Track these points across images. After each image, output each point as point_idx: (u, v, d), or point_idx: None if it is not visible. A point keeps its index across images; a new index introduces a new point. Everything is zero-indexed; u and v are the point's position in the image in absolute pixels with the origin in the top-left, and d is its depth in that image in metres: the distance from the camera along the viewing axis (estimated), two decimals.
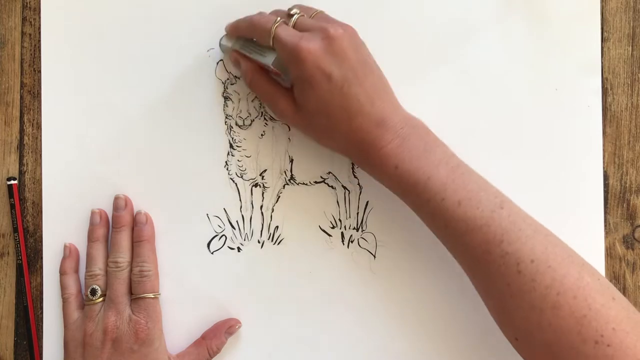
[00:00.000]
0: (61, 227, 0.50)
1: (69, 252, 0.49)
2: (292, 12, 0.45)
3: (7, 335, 0.50)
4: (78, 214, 0.50)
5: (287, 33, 0.43)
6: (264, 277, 0.50)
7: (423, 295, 0.50)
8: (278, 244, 0.50)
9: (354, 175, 0.50)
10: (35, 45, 0.51)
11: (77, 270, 0.49)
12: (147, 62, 0.50)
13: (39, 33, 0.51)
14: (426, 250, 0.50)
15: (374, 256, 0.50)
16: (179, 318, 0.50)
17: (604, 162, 0.50)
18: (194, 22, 0.51)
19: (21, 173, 0.51)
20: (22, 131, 0.51)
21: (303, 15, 0.45)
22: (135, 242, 0.48)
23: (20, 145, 0.51)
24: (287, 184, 0.50)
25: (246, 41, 0.47)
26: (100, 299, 0.47)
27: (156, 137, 0.50)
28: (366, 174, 0.49)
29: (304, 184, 0.50)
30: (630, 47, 0.51)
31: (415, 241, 0.50)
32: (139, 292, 0.47)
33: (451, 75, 0.50)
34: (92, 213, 0.49)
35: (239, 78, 0.50)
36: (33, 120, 0.51)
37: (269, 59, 0.45)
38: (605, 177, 0.50)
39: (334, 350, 0.50)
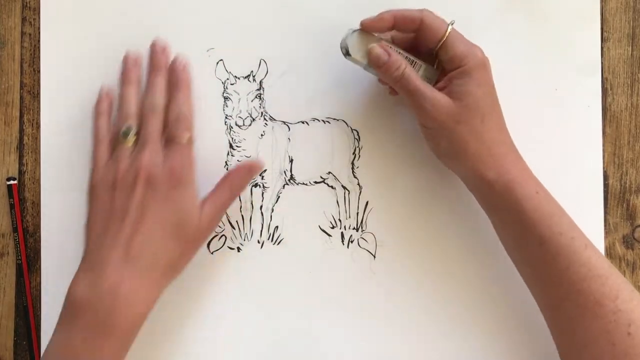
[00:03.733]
0: (61, 227, 0.50)
1: (105, 94, 0.48)
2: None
3: (7, 335, 0.50)
4: (77, 214, 0.50)
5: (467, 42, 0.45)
6: (264, 277, 0.50)
7: (423, 295, 0.49)
8: (278, 244, 0.50)
9: (354, 175, 0.50)
10: (35, 45, 0.51)
11: (110, 114, 0.48)
12: (146, 62, 0.50)
13: (39, 33, 0.51)
14: (426, 250, 0.50)
15: (374, 256, 0.50)
16: (179, 318, 0.50)
17: (604, 162, 0.50)
18: (193, 22, 0.51)
19: (21, 173, 0.51)
20: (21, 131, 0.51)
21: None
22: (173, 87, 0.47)
23: (20, 145, 0.51)
24: (287, 184, 0.50)
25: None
26: (134, 138, 0.45)
27: None
28: (366, 174, 0.49)
29: (303, 184, 0.50)
30: (630, 47, 0.51)
31: (415, 241, 0.50)
32: (174, 134, 0.45)
33: None
34: (127, 56, 0.48)
35: (239, 78, 0.50)
36: (33, 120, 0.51)
37: (419, 67, 0.45)
38: (605, 177, 0.50)
39: (334, 350, 0.49)
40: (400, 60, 0.44)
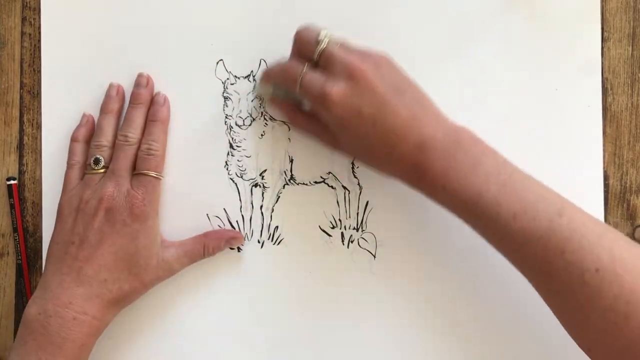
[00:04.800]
0: None
1: (85, 122, 0.49)
2: (320, 37, 0.43)
3: (7, 336, 0.50)
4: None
5: (312, 82, 0.43)
6: (264, 277, 0.50)
7: (423, 295, 0.49)
8: (278, 244, 0.50)
9: (354, 175, 0.50)
10: (35, 45, 0.51)
11: (88, 142, 0.49)
12: (146, 62, 0.50)
13: (39, 33, 0.51)
14: (426, 251, 0.50)
15: (374, 256, 0.50)
16: (179, 318, 0.50)
17: (604, 162, 0.50)
18: (194, 22, 0.51)
19: (21, 173, 0.51)
20: (21, 131, 0.51)
21: (330, 42, 0.44)
22: (149, 121, 0.48)
23: (20, 145, 0.51)
24: (287, 184, 0.50)
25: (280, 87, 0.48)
26: (102, 169, 0.47)
27: None
28: (366, 174, 0.49)
29: (304, 184, 0.50)
30: (630, 47, 0.51)
31: (415, 241, 0.50)
32: (142, 168, 0.46)
33: (451, 76, 0.50)
34: (110, 85, 0.49)
35: (239, 78, 0.50)
36: (33, 120, 0.51)
37: (306, 104, 0.46)
38: (605, 177, 0.50)
39: (333, 350, 0.49)
40: (287, 112, 0.48)
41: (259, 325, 0.50)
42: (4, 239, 0.51)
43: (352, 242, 0.50)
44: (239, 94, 0.50)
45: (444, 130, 0.42)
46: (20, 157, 0.51)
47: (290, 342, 0.50)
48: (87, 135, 0.49)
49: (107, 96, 0.49)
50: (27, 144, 0.51)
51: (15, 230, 0.50)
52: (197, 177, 0.50)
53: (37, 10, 0.51)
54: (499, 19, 0.51)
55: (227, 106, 0.50)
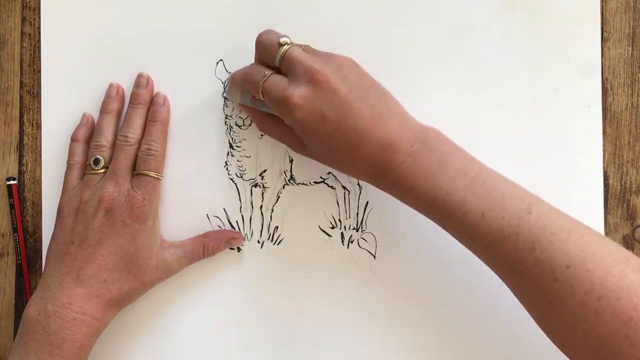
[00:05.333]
0: None
1: (85, 122, 0.49)
2: (281, 41, 0.43)
3: (7, 336, 0.50)
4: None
5: (273, 86, 0.43)
6: (264, 277, 0.50)
7: (423, 295, 0.49)
8: (278, 244, 0.50)
9: None
10: (34, 45, 0.51)
11: (88, 141, 0.49)
12: (146, 62, 0.50)
13: (39, 33, 0.51)
14: (426, 251, 0.50)
15: (374, 256, 0.50)
16: (178, 318, 0.50)
17: (604, 162, 0.50)
18: (193, 22, 0.51)
19: (21, 173, 0.51)
20: (21, 131, 0.51)
21: (292, 46, 0.44)
22: (149, 122, 0.48)
23: (20, 145, 0.51)
24: (287, 184, 0.50)
25: (248, 92, 0.47)
26: (102, 170, 0.47)
27: None
28: None
29: (303, 184, 0.50)
30: (630, 47, 0.51)
31: (415, 241, 0.50)
32: (142, 168, 0.47)
33: (451, 75, 0.50)
34: (110, 86, 0.49)
35: None
36: (33, 120, 0.51)
37: (268, 108, 0.46)
38: (605, 177, 0.50)
39: (333, 351, 0.49)
40: (255, 118, 0.48)
41: (259, 325, 0.50)
42: (4, 239, 0.51)
43: (352, 242, 0.50)
44: None
45: (410, 130, 0.42)
46: (20, 157, 0.51)
47: (290, 342, 0.50)
48: (87, 135, 0.49)
49: (107, 96, 0.49)
50: (27, 144, 0.51)
51: (15, 230, 0.50)
52: (197, 177, 0.50)
53: (37, 10, 0.51)
54: (498, 19, 0.51)
55: (227, 106, 0.50)
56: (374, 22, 0.50)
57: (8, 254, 0.51)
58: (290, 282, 0.50)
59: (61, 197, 0.47)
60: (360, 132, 0.41)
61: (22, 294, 0.50)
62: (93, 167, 0.47)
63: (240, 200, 0.50)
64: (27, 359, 0.43)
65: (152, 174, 0.47)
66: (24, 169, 0.51)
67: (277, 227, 0.50)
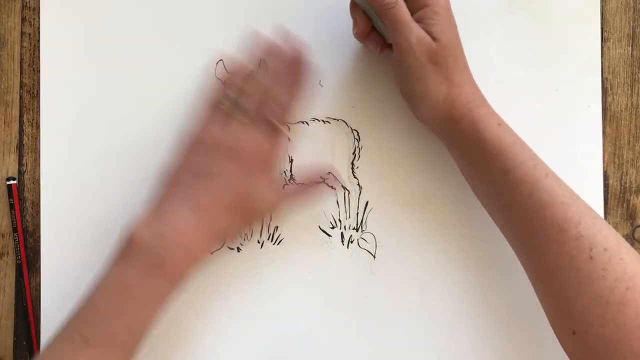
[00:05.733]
0: (60, 227, 0.50)
1: (234, 66, 0.48)
2: None
3: (7, 336, 0.50)
4: (77, 214, 0.50)
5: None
6: (264, 277, 0.50)
7: (423, 295, 0.49)
8: (278, 244, 0.50)
9: (353, 175, 0.50)
10: (34, 45, 0.51)
11: (227, 84, 0.48)
12: (146, 62, 0.50)
13: (39, 33, 0.51)
14: (426, 251, 0.50)
15: (374, 256, 0.50)
16: (178, 318, 0.50)
17: (604, 162, 0.50)
18: (193, 22, 0.51)
19: (20, 173, 0.51)
20: (21, 131, 0.51)
21: None
22: (286, 73, 0.47)
23: (20, 145, 0.51)
24: (287, 184, 0.50)
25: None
26: (236, 112, 0.46)
27: (156, 137, 0.50)
28: (366, 174, 0.49)
29: (303, 184, 0.50)
30: (630, 47, 0.51)
31: (415, 241, 0.50)
32: (269, 118, 0.46)
33: None
34: (253, 34, 0.48)
35: None
36: (32, 120, 0.51)
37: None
38: (605, 177, 0.50)
39: (333, 350, 0.49)
40: (364, 24, 0.46)
41: (259, 325, 0.50)
42: (4, 239, 0.51)
43: (352, 242, 0.50)
44: None
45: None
46: (20, 157, 0.51)
47: (290, 342, 0.50)
48: (231, 77, 0.48)
49: (252, 44, 0.48)
50: (27, 144, 0.51)
51: (15, 230, 0.50)
52: None
53: (36, 10, 0.51)
54: (498, 19, 0.51)
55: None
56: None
57: (8, 253, 0.51)
58: (290, 282, 0.50)
59: (194, 130, 0.46)
60: (463, 68, 0.45)
61: (22, 293, 0.50)
62: (228, 108, 0.46)
63: None
64: (127, 280, 0.42)
65: (278, 124, 0.46)
66: (24, 169, 0.51)
67: (277, 227, 0.50)
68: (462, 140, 0.44)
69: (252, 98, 0.46)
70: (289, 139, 0.48)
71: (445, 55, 0.44)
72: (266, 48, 0.47)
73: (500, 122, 0.44)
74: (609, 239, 0.39)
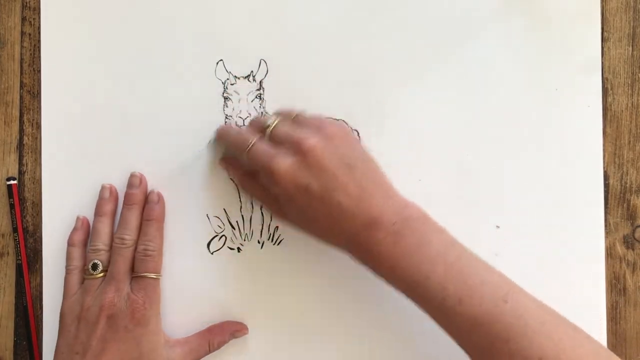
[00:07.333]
0: (61, 227, 0.50)
1: (80, 225, 0.49)
2: (268, 124, 0.44)
3: (7, 336, 0.50)
4: (78, 214, 0.50)
5: (260, 153, 0.43)
6: (264, 277, 0.50)
7: None
8: (278, 244, 0.50)
9: None
10: (34, 45, 0.51)
11: (85, 244, 0.49)
12: (146, 62, 0.50)
13: (39, 33, 0.51)
14: None
15: None
16: (178, 319, 0.50)
17: (604, 162, 0.50)
18: (193, 22, 0.51)
19: (21, 173, 0.51)
20: (21, 131, 0.51)
21: (281, 120, 0.44)
22: (144, 221, 0.48)
23: (20, 145, 0.51)
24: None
25: None
26: (101, 274, 0.47)
27: (156, 137, 0.50)
28: None
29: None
30: (631, 47, 0.51)
31: None
32: (140, 270, 0.47)
33: (451, 76, 0.50)
34: (102, 187, 0.49)
35: (239, 78, 0.50)
36: (33, 120, 0.51)
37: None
38: (606, 177, 0.50)
39: (333, 350, 0.49)
40: (236, 175, 0.48)
41: (259, 325, 0.50)
42: (4, 239, 0.51)
43: None
44: (239, 94, 0.50)
45: (394, 207, 0.42)
46: (20, 157, 0.51)
47: (290, 342, 0.50)
48: (83, 238, 0.49)
49: (101, 198, 0.49)
50: (27, 144, 0.51)
51: (15, 230, 0.50)
52: (197, 177, 0.50)
53: (37, 10, 0.51)
54: (498, 19, 0.51)
55: (227, 106, 0.50)
56: (374, 23, 0.50)
57: (8, 253, 0.51)
58: (290, 282, 0.50)
59: (62, 304, 0.47)
60: (344, 208, 0.41)
61: (22, 294, 0.50)
62: (92, 272, 0.47)
63: (240, 200, 0.50)
64: None
65: (152, 275, 0.47)
66: (24, 169, 0.51)
67: (277, 228, 0.50)
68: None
69: (113, 254, 0.47)
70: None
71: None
72: (124, 200, 0.49)
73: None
74: (543, 347, 0.38)
